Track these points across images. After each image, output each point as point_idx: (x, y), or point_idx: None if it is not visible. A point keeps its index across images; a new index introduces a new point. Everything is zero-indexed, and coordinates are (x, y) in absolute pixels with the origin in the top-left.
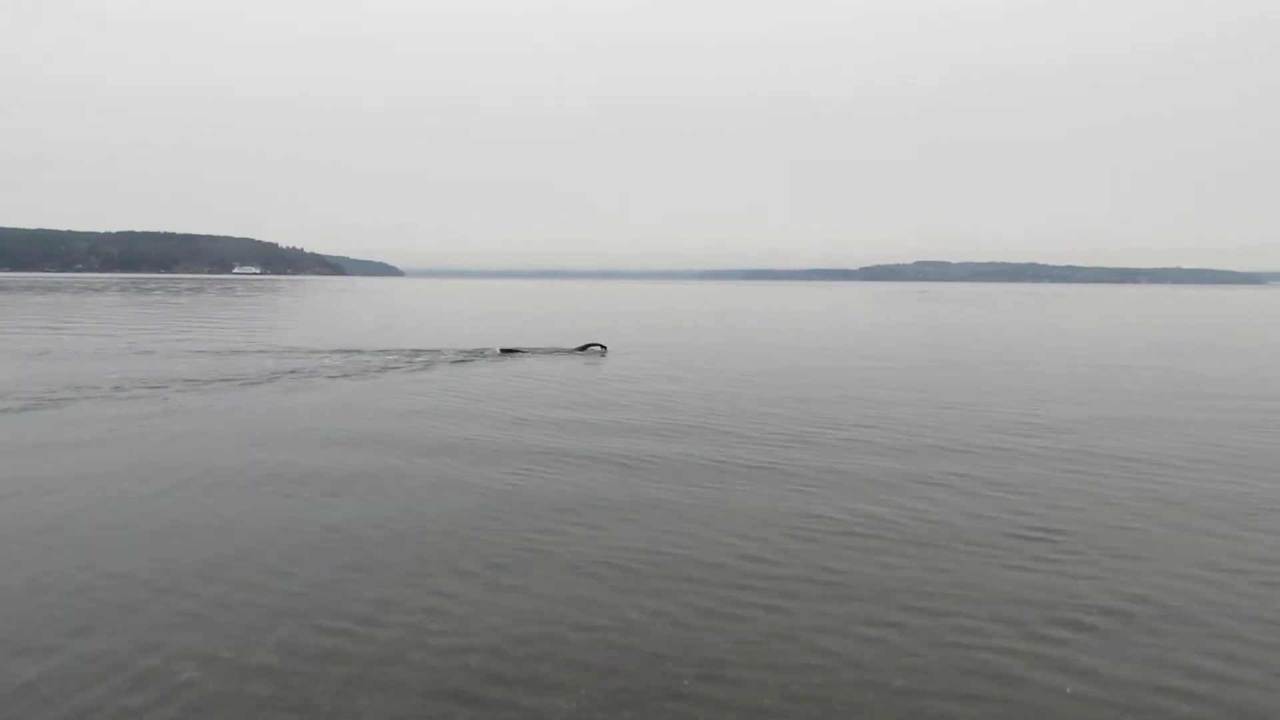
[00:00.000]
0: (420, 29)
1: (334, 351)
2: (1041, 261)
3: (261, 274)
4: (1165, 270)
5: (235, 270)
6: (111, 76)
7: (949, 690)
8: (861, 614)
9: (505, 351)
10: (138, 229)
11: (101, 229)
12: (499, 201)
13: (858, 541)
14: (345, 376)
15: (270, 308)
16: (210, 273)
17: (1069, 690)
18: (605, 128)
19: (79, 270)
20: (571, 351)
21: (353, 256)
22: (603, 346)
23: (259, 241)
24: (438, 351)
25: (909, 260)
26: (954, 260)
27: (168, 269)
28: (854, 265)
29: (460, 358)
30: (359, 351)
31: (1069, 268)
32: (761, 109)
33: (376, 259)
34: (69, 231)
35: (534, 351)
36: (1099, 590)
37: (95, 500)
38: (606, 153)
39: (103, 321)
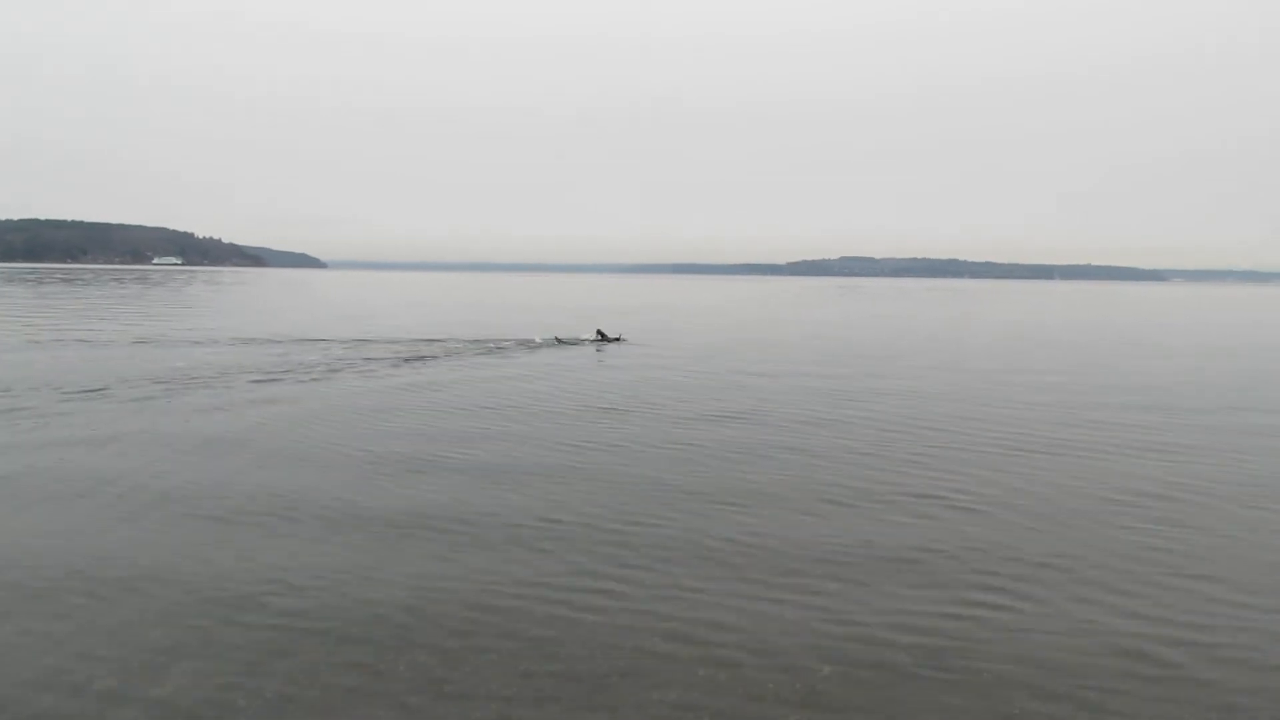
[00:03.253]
0: (347, 23)
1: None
2: (961, 258)
3: (183, 265)
4: (1077, 267)
5: (155, 261)
6: (14, 46)
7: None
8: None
9: (559, 340)
10: (43, 216)
11: (3, 216)
12: (422, 194)
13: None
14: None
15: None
16: (122, 263)
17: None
18: (531, 122)
19: None
20: (608, 340)
21: (273, 247)
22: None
23: (174, 231)
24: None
25: (835, 256)
26: (878, 256)
27: (75, 259)
28: (782, 260)
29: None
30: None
31: (987, 264)
32: (692, 108)
33: (297, 250)
34: None
35: (580, 340)
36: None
37: None
38: (533, 146)
39: None
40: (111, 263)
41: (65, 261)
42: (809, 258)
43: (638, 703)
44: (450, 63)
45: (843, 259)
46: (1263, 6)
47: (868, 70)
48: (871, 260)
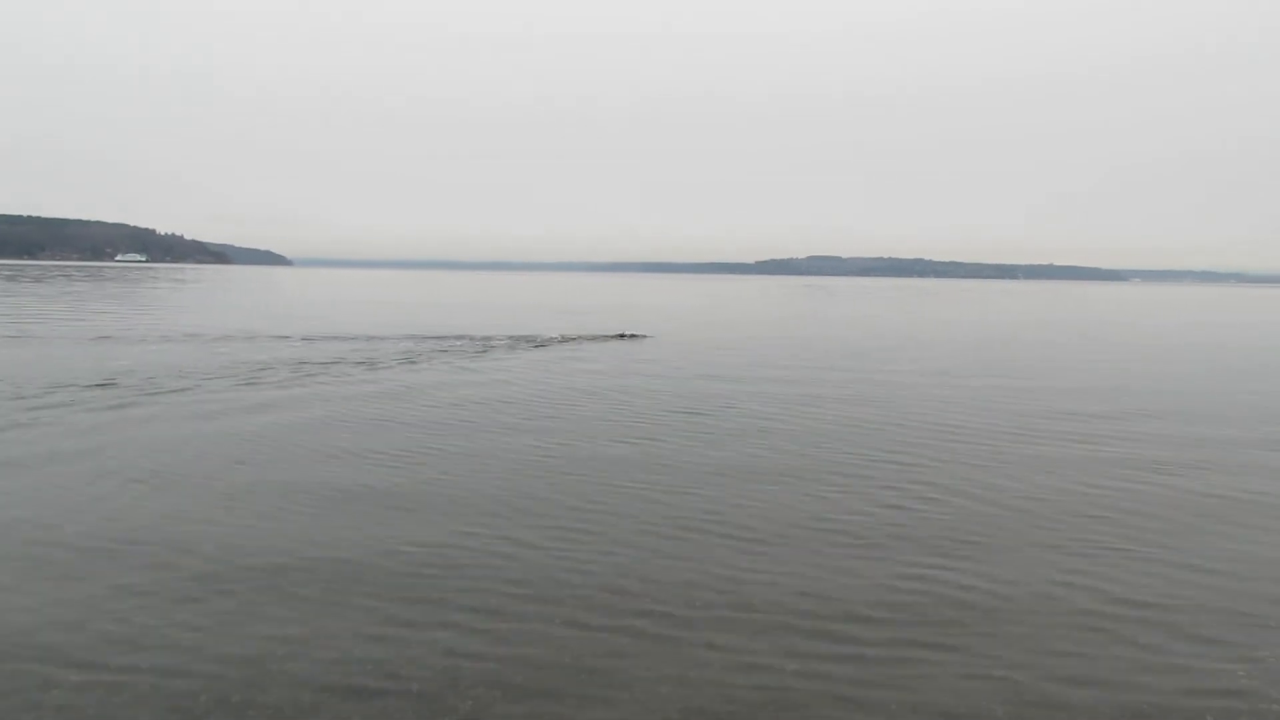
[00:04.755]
0: (347, 19)
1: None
2: (927, 257)
3: (146, 262)
4: (1040, 267)
5: (118, 258)
6: None
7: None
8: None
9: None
10: None
11: None
12: (388, 191)
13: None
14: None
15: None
16: (82, 259)
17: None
18: (499, 118)
19: None
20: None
21: (236, 244)
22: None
23: (133, 227)
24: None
25: (802, 255)
26: (845, 255)
27: (32, 255)
28: (750, 259)
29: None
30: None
31: (952, 263)
32: (660, 108)
33: (262, 247)
34: None
35: (645, 336)
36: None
37: None
38: (500, 143)
39: None
40: (69, 259)
41: (21, 258)
42: (776, 256)
43: (607, 700)
44: (434, 59)
45: (810, 258)
46: (1263, 6)
47: (866, 70)
48: (839, 259)
